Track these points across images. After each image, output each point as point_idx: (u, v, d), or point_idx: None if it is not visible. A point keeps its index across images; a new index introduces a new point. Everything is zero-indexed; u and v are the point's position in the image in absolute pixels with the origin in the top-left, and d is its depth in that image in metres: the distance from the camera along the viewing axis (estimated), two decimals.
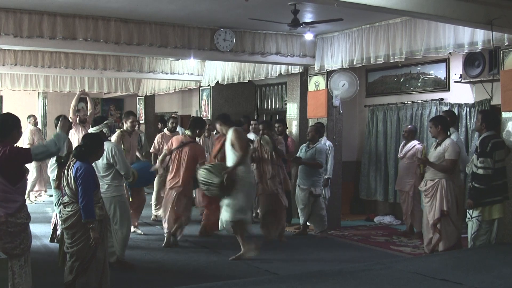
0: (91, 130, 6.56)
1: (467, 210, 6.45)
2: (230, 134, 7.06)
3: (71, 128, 8.69)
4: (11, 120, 4.64)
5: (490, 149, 6.24)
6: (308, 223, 8.96)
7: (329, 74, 9.69)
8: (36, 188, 11.92)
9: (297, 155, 8.92)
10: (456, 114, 8.73)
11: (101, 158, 6.03)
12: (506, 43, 6.72)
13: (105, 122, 6.65)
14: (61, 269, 5.49)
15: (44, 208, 11.08)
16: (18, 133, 4.64)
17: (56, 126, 8.04)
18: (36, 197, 12.10)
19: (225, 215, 7.03)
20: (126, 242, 6.52)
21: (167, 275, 6.26)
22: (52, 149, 4.58)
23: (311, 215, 8.61)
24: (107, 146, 6.20)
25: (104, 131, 6.60)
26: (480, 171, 6.26)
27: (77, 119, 9.92)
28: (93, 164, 6.01)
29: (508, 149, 6.53)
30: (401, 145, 8.94)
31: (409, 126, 8.96)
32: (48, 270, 6.09)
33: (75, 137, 9.36)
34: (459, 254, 6.07)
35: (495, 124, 6.50)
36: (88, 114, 10.58)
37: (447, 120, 7.08)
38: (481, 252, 5.99)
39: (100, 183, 6.02)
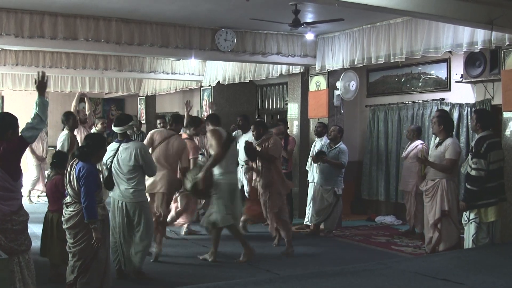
0: (114, 129, 6.11)
1: (464, 213, 6.33)
2: (208, 135, 7.02)
3: (76, 126, 8.70)
4: (8, 120, 4.64)
5: (484, 150, 6.04)
6: (309, 223, 8.99)
7: (330, 74, 9.69)
8: (40, 188, 11.91)
9: (312, 151, 8.97)
10: (457, 114, 8.74)
11: (128, 159, 5.88)
12: (507, 43, 6.72)
13: (129, 124, 6.11)
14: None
15: (45, 208, 11.04)
16: (13, 133, 4.60)
17: (62, 122, 8.09)
18: (38, 196, 12.10)
19: (214, 216, 6.83)
20: (147, 252, 6.17)
21: (167, 275, 6.26)
22: (40, 125, 4.65)
23: (329, 215, 8.61)
24: (134, 146, 5.98)
25: (128, 133, 6.25)
26: (473, 172, 6.09)
27: (78, 120, 9.95)
28: (116, 167, 5.94)
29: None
30: (407, 145, 8.93)
31: (412, 126, 8.95)
32: (48, 270, 6.07)
33: (61, 133, 9.31)
34: (460, 254, 6.05)
35: (490, 124, 6.30)
36: (87, 114, 10.63)
37: (452, 122, 7.06)
38: (483, 252, 5.97)
39: (124, 186, 5.91)
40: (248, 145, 7.44)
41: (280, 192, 7.34)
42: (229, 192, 6.81)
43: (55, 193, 5.92)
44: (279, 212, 7.34)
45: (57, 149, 7.70)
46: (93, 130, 8.95)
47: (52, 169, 6.16)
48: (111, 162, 5.97)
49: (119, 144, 6.03)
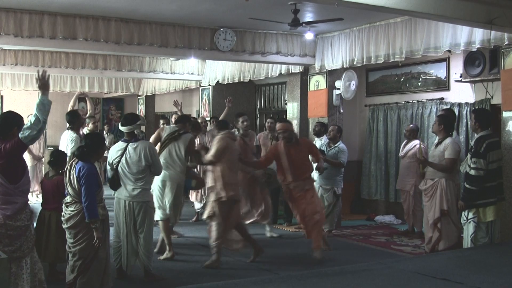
0: (121, 128, 6.03)
1: (462, 212, 6.35)
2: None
3: (81, 126, 8.59)
4: (11, 118, 4.60)
5: (484, 149, 6.07)
6: None
7: (329, 74, 9.70)
8: (36, 188, 11.86)
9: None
10: (457, 113, 8.74)
11: (137, 159, 5.81)
12: (506, 42, 6.72)
13: (137, 123, 6.03)
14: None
15: None
16: (18, 131, 4.53)
17: (69, 123, 7.96)
18: (37, 196, 12.07)
19: None
20: (152, 251, 6.16)
21: (167, 274, 6.25)
22: (38, 125, 4.43)
23: (329, 215, 8.60)
24: (143, 145, 5.93)
25: (136, 133, 6.15)
26: (472, 172, 6.11)
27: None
28: (124, 166, 5.85)
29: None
30: (403, 144, 8.94)
31: (411, 126, 8.95)
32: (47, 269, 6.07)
33: (70, 137, 9.19)
34: (460, 254, 6.06)
35: (489, 123, 6.34)
36: (87, 115, 10.57)
37: (452, 122, 7.06)
38: (482, 251, 5.98)
39: (131, 186, 5.85)
40: (198, 147, 7.40)
41: (223, 200, 6.64)
42: (159, 189, 6.97)
43: (56, 192, 5.92)
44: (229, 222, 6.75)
45: (68, 152, 7.58)
46: (85, 130, 8.87)
47: (52, 168, 6.14)
48: (118, 162, 5.90)
49: (126, 143, 5.95)
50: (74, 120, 7.85)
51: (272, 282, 4.99)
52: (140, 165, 5.86)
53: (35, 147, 11.60)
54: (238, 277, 5.80)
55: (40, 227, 5.93)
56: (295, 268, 6.55)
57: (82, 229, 4.94)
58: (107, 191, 5.64)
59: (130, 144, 5.94)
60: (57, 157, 6.13)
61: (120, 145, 6.01)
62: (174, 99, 10.24)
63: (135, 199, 5.87)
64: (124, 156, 5.89)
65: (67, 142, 7.86)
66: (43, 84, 4.60)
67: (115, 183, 5.89)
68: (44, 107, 4.48)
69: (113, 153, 5.98)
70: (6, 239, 4.38)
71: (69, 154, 7.46)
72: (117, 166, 5.90)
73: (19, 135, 4.44)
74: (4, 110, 13.18)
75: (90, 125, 9.40)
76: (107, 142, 13.41)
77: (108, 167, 6.02)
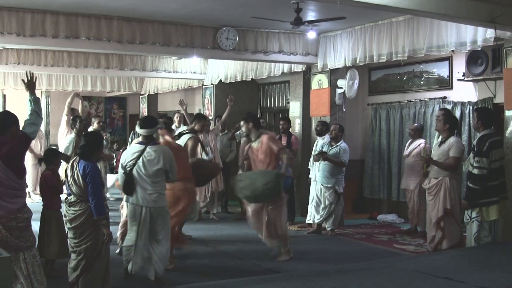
0: (140, 131, 5.77)
1: (465, 212, 6.35)
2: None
3: (84, 130, 8.60)
4: (8, 117, 4.72)
5: (487, 148, 6.05)
6: (311, 222, 8.98)
7: (332, 73, 9.69)
8: (37, 188, 11.81)
9: (314, 149, 8.96)
10: (459, 112, 8.73)
11: (156, 162, 5.59)
12: (506, 39, 6.72)
13: (157, 127, 5.86)
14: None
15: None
16: (16, 129, 4.66)
17: (71, 126, 8.12)
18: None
19: None
20: (167, 257, 5.91)
21: (168, 273, 6.25)
22: (39, 120, 4.70)
23: (330, 214, 8.60)
24: (162, 149, 5.74)
25: (154, 136, 5.93)
26: (475, 171, 6.10)
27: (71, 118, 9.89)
28: (141, 170, 5.58)
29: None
30: (407, 143, 8.92)
31: (415, 124, 8.93)
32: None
33: (67, 136, 9.05)
34: (462, 253, 6.06)
35: (491, 122, 6.32)
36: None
37: (456, 121, 7.06)
38: (484, 250, 5.98)
39: (148, 191, 5.60)
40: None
41: None
42: None
43: (44, 188, 6.03)
44: None
45: (62, 151, 7.71)
46: (90, 129, 8.92)
47: (45, 165, 6.31)
48: (133, 164, 5.63)
49: (144, 146, 5.69)
50: (74, 122, 8.05)
51: (274, 280, 5.01)
52: (158, 168, 5.64)
53: (36, 146, 11.55)
54: (240, 276, 5.81)
55: (40, 223, 6.06)
56: (297, 267, 6.56)
57: (88, 228, 4.98)
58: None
59: (149, 147, 5.69)
60: (48, 154, 6.35)
61: (137, 147, 5.75)
62: (180, 98, 10.24)
63: (152, 204, 5.65)
64: (141, 158, 5.64)
65: (64, 141, 8.04)
66: (31, 85, 4.85)
67: (129, 187, 5.65)
68: (38, 103, 4.78)
69: (128, 155, 5.72)
70: (17, 231, 4.53)
71: (62, 150, 7.60)
72: (131, 169, 5.65)
73: (24, 131, 4.62)
74: (7, 109, 13.19)
75: (95, 125, 9.43)
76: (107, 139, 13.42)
77: (121, 171, 5.74)
